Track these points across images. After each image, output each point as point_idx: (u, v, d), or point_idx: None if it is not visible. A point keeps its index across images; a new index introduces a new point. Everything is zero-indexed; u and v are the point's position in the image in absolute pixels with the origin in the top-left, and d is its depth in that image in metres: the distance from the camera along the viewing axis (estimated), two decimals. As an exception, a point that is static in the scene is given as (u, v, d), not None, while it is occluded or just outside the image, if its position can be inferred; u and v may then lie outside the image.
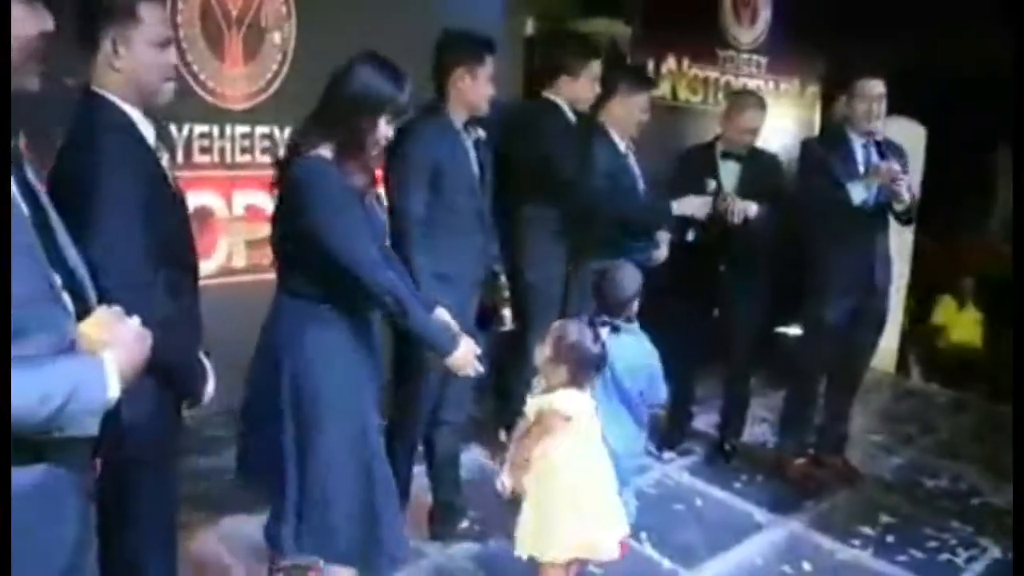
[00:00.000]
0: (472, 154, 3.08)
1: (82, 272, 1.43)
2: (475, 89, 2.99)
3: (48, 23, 1.32)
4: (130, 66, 1.97)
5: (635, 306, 2.89)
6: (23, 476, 1.26)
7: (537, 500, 2.50)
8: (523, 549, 2.51)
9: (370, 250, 2.29)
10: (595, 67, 3.62)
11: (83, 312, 1.38)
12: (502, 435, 3.89)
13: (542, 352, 2.51)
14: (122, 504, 2.07)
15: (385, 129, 2.32)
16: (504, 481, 2.57)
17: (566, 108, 3.62)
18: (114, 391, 1.30)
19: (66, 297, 1.35)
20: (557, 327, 2.54)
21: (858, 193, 3.67)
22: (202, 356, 2.20)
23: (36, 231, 1.31)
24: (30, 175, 1.37)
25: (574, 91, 3.61)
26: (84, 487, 1.40)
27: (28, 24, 1.29)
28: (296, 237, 2.28)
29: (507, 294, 3.30)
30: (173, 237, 2.11)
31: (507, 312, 3.29)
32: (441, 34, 3.04)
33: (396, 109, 2.33)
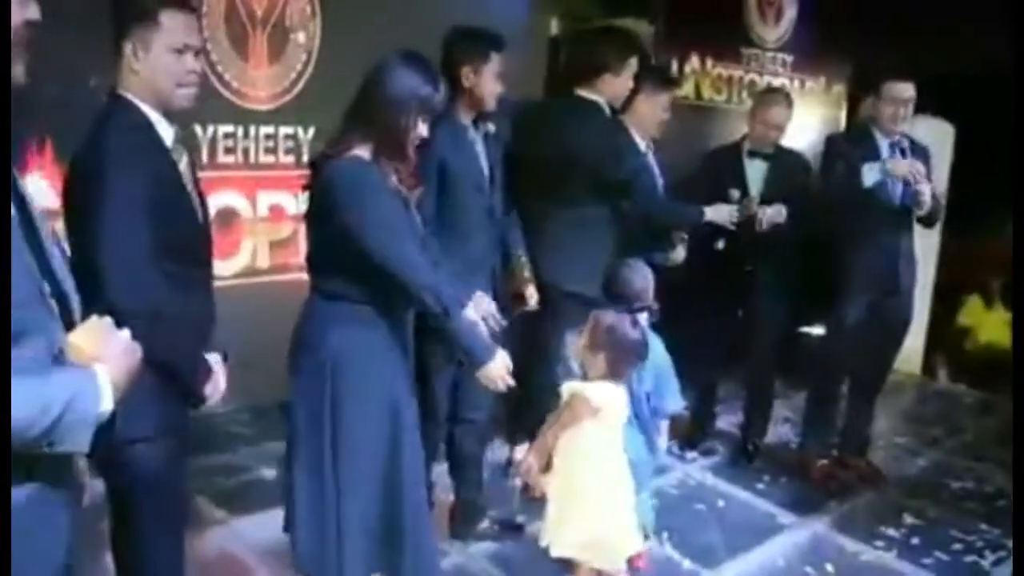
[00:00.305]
0: (481, 151, 3.07)
1: (69, 284, 1.40)
2: (481, 86, 2.98)
3: (33, 11, 1.29)
4: (147, 69, 2.03)
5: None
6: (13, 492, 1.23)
7: (558, 491, 2.49)
8: (547, 538, 2.51)
9: (409, 249, 2.27)
10: (635, 63, 3.54)
11: (66, 324, 1.34)
12: (518, 452, 3.85)
13: (579, 341, 2.49)
14: (124, 507, 2.11)
15: (422, 128, 2.31)
16: (530, 461, 2.51)
17: (605, 106, 3.54)
18: (108, 403, 1.28)
19: (54, 304, 1.33)
20: (593, 315, 2.52)
21: (871, 176, 3.61)
22: (209, 356, 2.18)
23: (23, 235, 1.29)
24: (18, 180, 1.35)
25: (614, 88, 3.51)
26: (74, 499, 1.39)
27: (13, 12, 1.27)
28: (333, 238, 2.24)
29: (528, 273, 3.28)
30: (185, 239, 2.12)
31: (531, 290, 3.27)
32: (448, 31, 3.03)
33: (433, 109, 2.33)
